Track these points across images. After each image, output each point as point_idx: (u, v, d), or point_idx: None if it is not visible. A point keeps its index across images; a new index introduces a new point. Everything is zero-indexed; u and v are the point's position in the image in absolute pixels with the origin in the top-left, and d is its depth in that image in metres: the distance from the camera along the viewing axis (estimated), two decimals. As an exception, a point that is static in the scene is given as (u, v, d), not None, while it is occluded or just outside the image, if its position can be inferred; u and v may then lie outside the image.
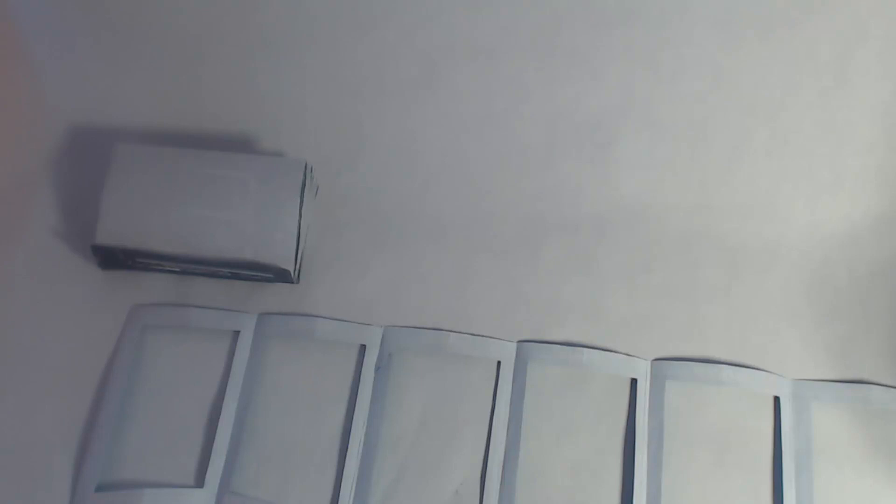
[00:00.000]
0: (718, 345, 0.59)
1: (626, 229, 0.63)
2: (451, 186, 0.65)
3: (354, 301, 0.60)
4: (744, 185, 0.64)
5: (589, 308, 0.60)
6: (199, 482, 0.54)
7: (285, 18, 0.68)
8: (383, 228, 0.63)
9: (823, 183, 0.64)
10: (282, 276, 0.59)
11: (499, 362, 0.58)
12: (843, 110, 0.65)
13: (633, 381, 0.58)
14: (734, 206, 0.64)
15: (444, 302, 0.61)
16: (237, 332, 0.59)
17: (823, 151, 0.65)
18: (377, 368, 0.58)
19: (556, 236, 0.63)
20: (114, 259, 0.59)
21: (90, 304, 0.60)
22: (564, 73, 0.67)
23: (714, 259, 0.62)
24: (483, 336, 0.59)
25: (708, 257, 0.62)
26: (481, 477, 0.55)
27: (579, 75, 0.67)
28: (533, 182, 0.65)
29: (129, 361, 0.58)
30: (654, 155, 0.65)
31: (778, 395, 0.57)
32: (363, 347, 0.59)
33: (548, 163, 0.65)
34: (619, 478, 0.55)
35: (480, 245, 0.63)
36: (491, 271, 0.62)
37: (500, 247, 0.63)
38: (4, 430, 0.56)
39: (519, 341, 0.59)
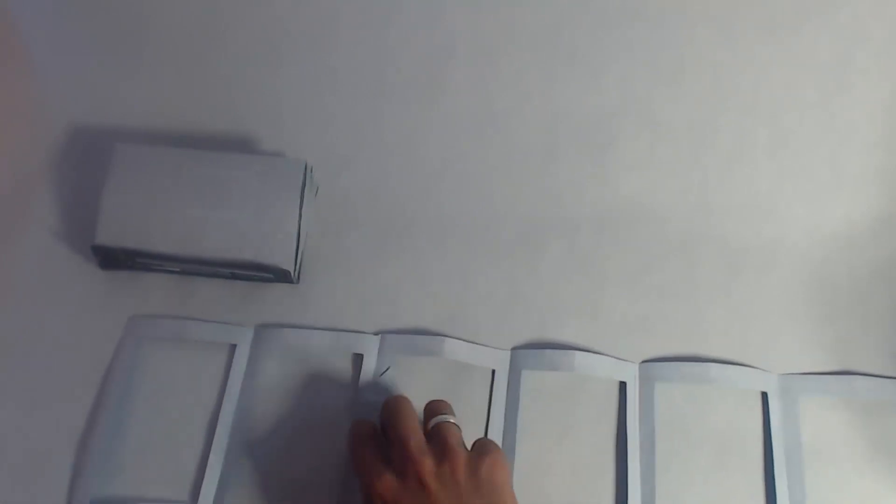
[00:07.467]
0: (718, 345, 0.59)
1: (626, 229, 0.63)
2: (452, 186, 0.65)
3: (355, 301, 0.60)
4: (744, 186, 0.64)
5: (589, 308, 0.60)
6: (194, 498, 0.54)
7: (285, 19, 0.68)
8: (383, 228, 0.63)
9: (823, 183, 0.64)
10: (282, 276, 0.59)
11: (493, 371, 0.58)
12: (843, 110, 0.65)
13: (623, 385, 0.58)
14: (734, 207, 0.64)
15: (445, 302, 0.61)
16: (234, 346, 0.58)
17: (823, 151, 0.65)
18: (374, 377, 0.57)
19: (556, 236, 0.63)
20: (114, 259, 0.59)
21: (90, 305, 0.60)
22: (564, 73, 0.67)
23: (714, 259, 0.62)
24: (477, 343, 0.59)
25: (708, 257, 0.62)
26: None
27: (579, 75, 0.67)
28: (533, 182, 0.65)
29: (125, 375, 0.57)
30: (654, 155, 0.65)
31: (765, 390, 0.57)
32: (360, 357, 0.58)
33: (548, 163, 0.65)
34: (613, 481, 0.55)
35: (481, 245, 0.63)
36: (491, 271, 0.62)
37: (501, 247, 0.63)
38: (4, 438, 0.55)
39: (513, 348, 0.59)
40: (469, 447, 0.51)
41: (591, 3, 0.66)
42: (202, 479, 0.54)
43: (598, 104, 0.66)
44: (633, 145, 0.65)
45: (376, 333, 0.59)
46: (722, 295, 0.61)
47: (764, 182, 0.64)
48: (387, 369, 0.58)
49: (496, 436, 0.56)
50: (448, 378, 0.58)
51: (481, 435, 0.56)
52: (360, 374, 0.57)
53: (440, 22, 0.67)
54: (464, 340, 0.59)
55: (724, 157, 0.65)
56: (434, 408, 0.53)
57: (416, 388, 0.57)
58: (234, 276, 0.60)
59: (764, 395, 0.57)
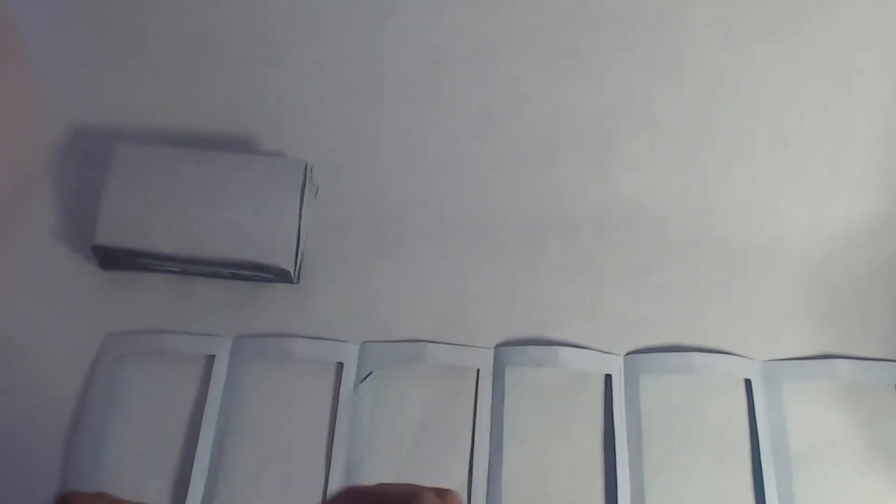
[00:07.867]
0: (718, 345, 0.59)
1: (626, 229, 0.63)
2: (452, 186, 0.65)
3: (354, 301, 0.60)
4: (744, 186, 0.64)
5: (589, 308, 0.60)
6: None
7: (286, 18, 0.68)
8: (383, 228, 0.63)
9: (823, 183, 0.64)
10: (282, 276, 0.59)
11: (478, 370, 0.58)
12: (843, 111, 0.65)
13: (608, 378, 0.58)
14: (734, 207, 0.64)
15: (445, 302, 0.60)
16: (212, 357, 0.58)
17: (823, 151, 0.65)
18: (357, 386, 0.57)
19: (556, 236, 0.63)
20: (114, 259, 0.59)
21: (90, 305, 0.60)
22: (564, 73, 0.67)
23: (714, 259, 0.62)
24: (460, 345, 0.59)
25: (708, 257, 0.62)
26: (468, 491, 0.54)
27: (579, 75, 0.67)
28: (533, 182, 0.65)
29: (104, 391, 0.56)
30: (654, 155, 0.65)
31: (749, 377, 0.57)
32: (341, 365, 0.58)
33: (548, 163, 0.65)
34: (602, 474, 0.55)
35: (481, 245, 0.63)
36: (491, 271, 0.62)
37: (501, 247, 0.63)
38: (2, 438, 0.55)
39: (496, 346, 0.59)
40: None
41: (591, 3, 0.66)
42: (186, 492, 0.54)
43: (598, 104, 0.66)
44: (633, 145, 0.65)
45: (352, 342, 0.59)
46: (722, 295, 0.61)
47: (764, 182, 0.64)
48: (369, 375, 0.58)
49: (483, 435, 0.56)
50: (432, 381, 0.58)
51: (468, 437, 0.56)
52: (340, 382, 0.57)
53: (440, 22, 0.68)
54: (446, 343, 0.59)
55: (724, 157, 0.65)
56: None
57: (403, 398, 0.57)
58: (235, 276, 0.60)
59: (748, 383, 0.57)
